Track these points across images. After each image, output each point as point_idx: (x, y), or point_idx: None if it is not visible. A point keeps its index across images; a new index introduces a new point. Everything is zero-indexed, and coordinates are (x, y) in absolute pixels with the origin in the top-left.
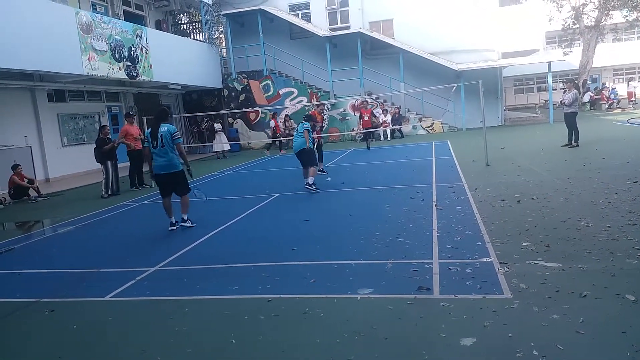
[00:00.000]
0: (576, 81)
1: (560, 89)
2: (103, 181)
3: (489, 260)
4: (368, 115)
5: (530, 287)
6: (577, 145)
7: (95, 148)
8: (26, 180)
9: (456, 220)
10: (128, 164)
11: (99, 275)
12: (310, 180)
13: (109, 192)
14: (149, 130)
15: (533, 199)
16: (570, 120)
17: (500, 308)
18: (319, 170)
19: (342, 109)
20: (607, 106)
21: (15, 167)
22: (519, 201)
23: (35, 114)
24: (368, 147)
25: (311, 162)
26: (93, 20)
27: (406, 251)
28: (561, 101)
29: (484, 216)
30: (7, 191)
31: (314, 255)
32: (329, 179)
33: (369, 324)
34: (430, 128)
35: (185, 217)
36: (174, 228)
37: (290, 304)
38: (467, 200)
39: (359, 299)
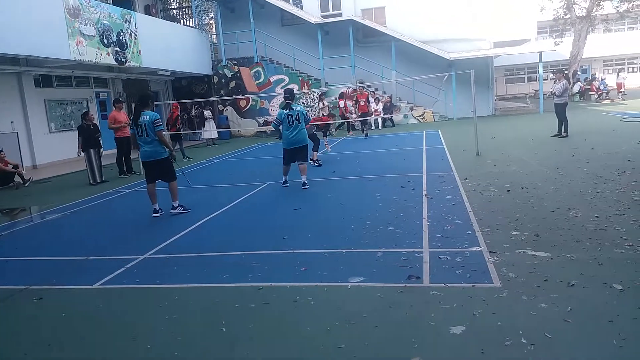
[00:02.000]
0: (566, 71)
1: (551, 79)
2: (88, 170)
3: (479, 249)
4: (364, 100)
5: (519, 276)
6: (567, 136)
7: (78, 135)
8: (10, 166)
9: (446, 209)
10: (116, 150)
11: (88, 263)
12: (305, 178)
13: (97, 180)
14: (132, 117)
15: (523, 188)
16: (560, 111)
17: (489, 297)
18: (314, 160)
19: (333, 97)
20: (596, 97)
21: None
22: (508, 191)
23: (21, 100)
24: (366, 135)
25: (306, 156)
26: (80, 4)
27: (396, 240)
28: (551, 91)
29: (474, 205)
30: None
31: (304, 243)
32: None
33: (359, 312)
34: (422, 117)
35: (176, 204)
36: (157, 215)
37: (281, 292)
38: (457, 190)
39: (349, 287)
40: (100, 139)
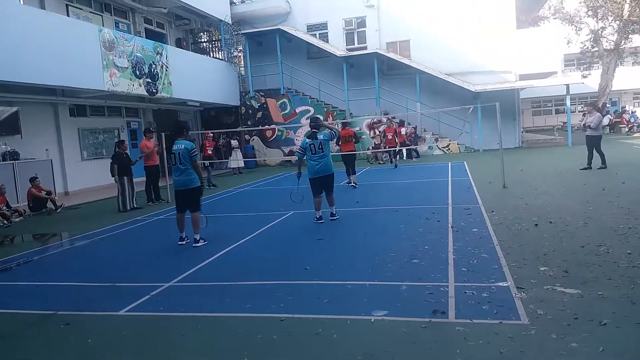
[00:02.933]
0: (597, 104)
1: (579, 111)
2: (119, 197)
3: (506, 284)
4: (392, 134)
5: (548, 314)
6: (605, 167)
7: (111, 163)
8: (44, 192)
9: (472, 242)
10: (144, 179)
11: (114, 290)
12: (333, 209)
13: (127, 208)
14: (167, 146)
15: (551, 222)
16: (594, 143)
17: (517, 334)
18: (354, 183)
19: (357, 128)
20: (627, 130)
21: (33, 179)
22: (536, 225)
23: (56, 128)
24: (396, 166)
25: (332, 186)
26: (115, 37)
27: (421, 273)
28: (584, 124)
29: (501, 239)
30: (27, 203)
31: (327, 274)
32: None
33: (382, 346)
34: (447, 148)
35: (198, 237)
36: (183, 243)
37: (303, 323)
38: (484, 223)
39: (372, 320)
40: (132, 167)
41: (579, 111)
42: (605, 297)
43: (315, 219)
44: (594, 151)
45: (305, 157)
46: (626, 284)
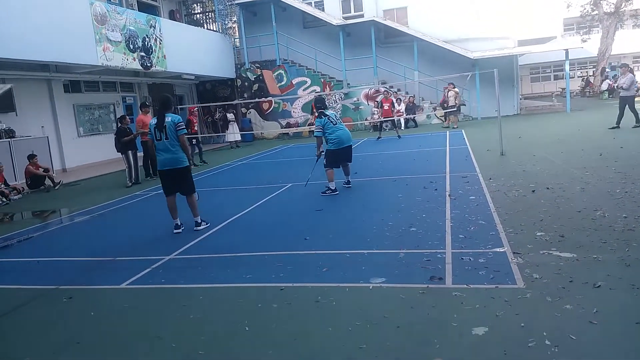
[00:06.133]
0: (631, 66)
1: (578, 77)
2: (127, 170)
3: (502, 250)
4: (388, 104)
5: (543, 277)
6: (639, 126)
7: (115, 138)
8: (41, 170)
9: (470, 210)
10: (142, 153)
11: (115, 264)
12: (349, 177)
13: (132, 182)
14: (154, 121)
15: (548, 188)
16: (629, 103)
17: (512, 298)
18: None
19: (355, 99)
20: None
21: (31, 157)
22: (533, 191)
23: (51, 105)
24: (399, 136)
25: (352, 156)
26: (107, 11)
27: (419, 241)
28: (617, 85)
29: (498, 206)
30: (25, 181)
31: (326, 244)
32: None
33: (381, 312)
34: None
35: (199, 220)
36: (180, 231)
37: (303, 292)
38: (481, 190)
39: (371, 288)
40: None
41: (578, 76)
42: (600, 260)
43: (330, 190)
44: (629, 110)
45: (325, 134)
46: (621, 247)
